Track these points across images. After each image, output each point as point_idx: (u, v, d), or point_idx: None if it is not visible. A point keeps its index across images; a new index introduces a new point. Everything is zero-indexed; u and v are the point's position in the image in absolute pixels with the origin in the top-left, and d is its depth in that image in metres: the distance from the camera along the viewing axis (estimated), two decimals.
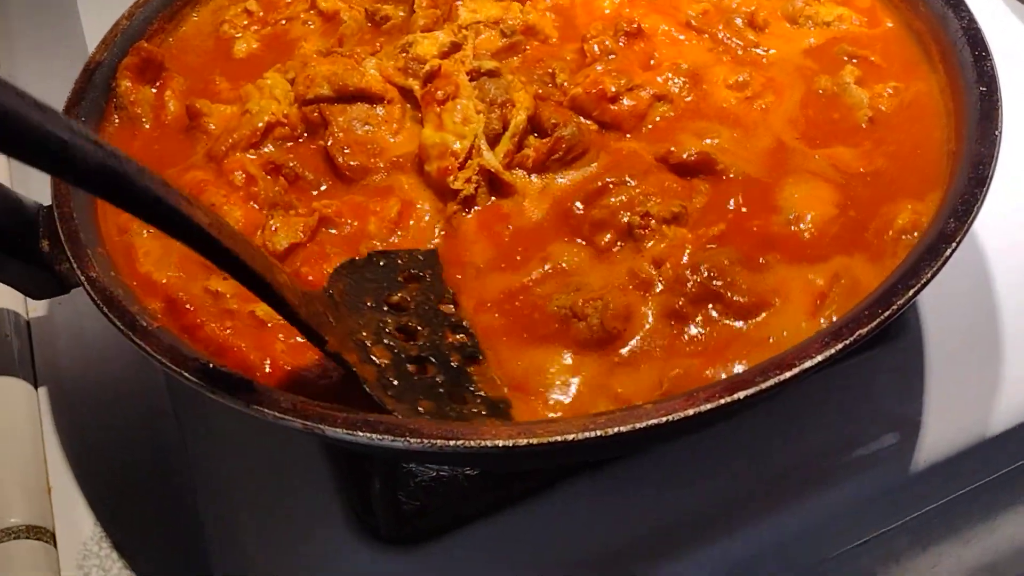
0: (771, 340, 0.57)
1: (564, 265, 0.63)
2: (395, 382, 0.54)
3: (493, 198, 0.67)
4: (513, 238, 0.65)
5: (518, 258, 0.64)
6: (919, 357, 0.70)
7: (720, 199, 0.65)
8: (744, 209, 0.64)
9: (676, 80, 0.72)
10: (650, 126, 0.70)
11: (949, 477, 0.69)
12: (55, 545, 0.66)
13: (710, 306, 0.59)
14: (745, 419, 0.65)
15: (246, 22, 0.83)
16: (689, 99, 0.71)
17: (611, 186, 0.65)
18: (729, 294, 0.58)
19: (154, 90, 0.76)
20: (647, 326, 0.59)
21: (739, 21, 0.77)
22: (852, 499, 0.66)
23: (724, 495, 0.65)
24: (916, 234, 0.58)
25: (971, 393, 0.69)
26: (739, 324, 0.58)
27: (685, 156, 0.66)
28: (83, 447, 0.69)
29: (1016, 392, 0.69)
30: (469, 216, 0.66)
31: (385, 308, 0.59)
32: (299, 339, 0.56)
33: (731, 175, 0.65)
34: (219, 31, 0.83)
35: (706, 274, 0.59)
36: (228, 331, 0.59)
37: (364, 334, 0.56)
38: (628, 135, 0.70)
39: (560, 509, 0.64)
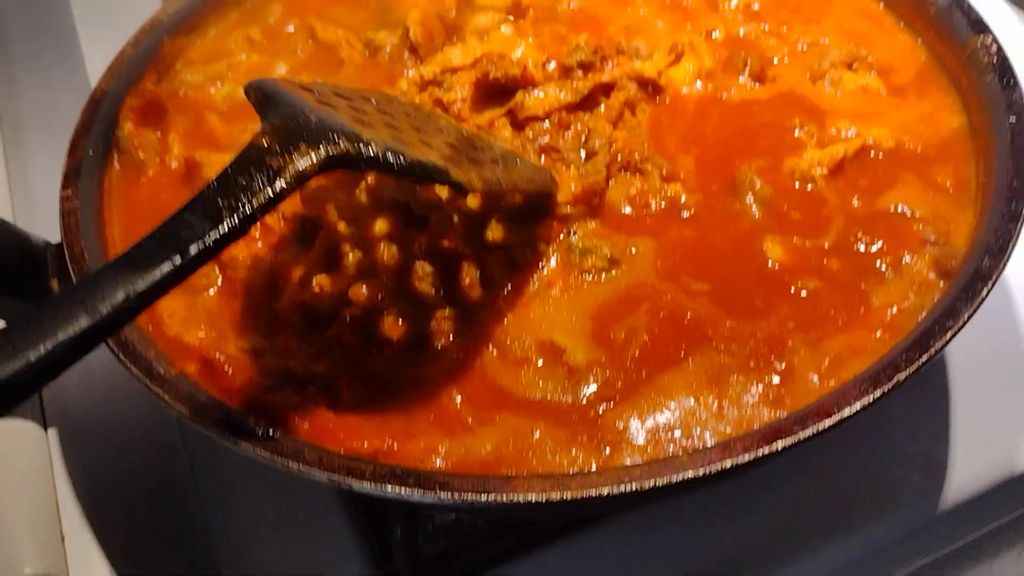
0: None
1: None
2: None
3: None
4: None
5: None
6: (945, 396, 0.69)
7: None
8: None
9: None
10: None
11: (976, 515, 0.68)
12: None
13: None
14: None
15: (244, 55, 0.79)
16: None
17: None
18: None
19: (158, 133, 0.72)
20: None
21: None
22: (877, 540, 0.65)
23: (745, 542, 0.64)
24: None
25: (997, 431, 0.68)
26: None
27: None
28: (95, 491, 0.67)
29: None
30: None
31: None
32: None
33: None
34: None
35: None
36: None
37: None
38: None
39: (581, 554, 0.63)
